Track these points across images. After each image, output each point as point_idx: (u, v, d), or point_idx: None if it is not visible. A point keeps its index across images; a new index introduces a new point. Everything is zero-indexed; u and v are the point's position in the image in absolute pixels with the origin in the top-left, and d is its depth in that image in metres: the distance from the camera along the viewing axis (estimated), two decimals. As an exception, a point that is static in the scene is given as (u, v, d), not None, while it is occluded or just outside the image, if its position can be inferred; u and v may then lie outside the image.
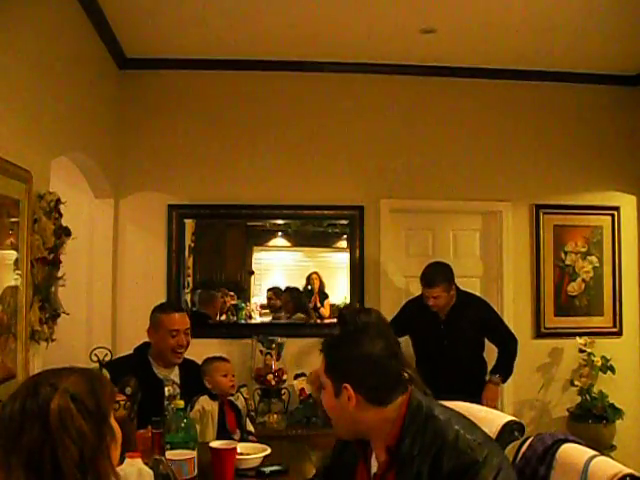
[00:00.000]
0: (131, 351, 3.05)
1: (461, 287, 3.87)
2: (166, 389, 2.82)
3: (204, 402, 2.77)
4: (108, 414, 1.22)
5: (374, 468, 1.68)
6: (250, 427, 3.03)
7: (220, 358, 3.02)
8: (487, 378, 3.77)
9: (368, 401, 1.61)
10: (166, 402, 2.69)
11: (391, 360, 1.66)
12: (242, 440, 2.71)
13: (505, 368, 3.77)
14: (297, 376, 4.22)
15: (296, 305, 4.66)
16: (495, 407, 3.52)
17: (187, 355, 3.07)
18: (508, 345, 3.79)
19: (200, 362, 3.04)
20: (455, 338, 3.75)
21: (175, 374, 2.96)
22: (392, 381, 1.64)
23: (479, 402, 3.28)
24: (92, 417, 1.16)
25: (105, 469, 1.15)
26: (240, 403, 2.99)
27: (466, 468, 1.48)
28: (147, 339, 3.01)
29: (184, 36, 4.03)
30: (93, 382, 1.22)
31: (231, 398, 2.94)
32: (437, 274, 3.74)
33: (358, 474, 1.73)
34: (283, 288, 4.74)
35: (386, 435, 1.61)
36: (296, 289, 4.71)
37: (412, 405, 1.61)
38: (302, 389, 4.19)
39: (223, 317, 4.59)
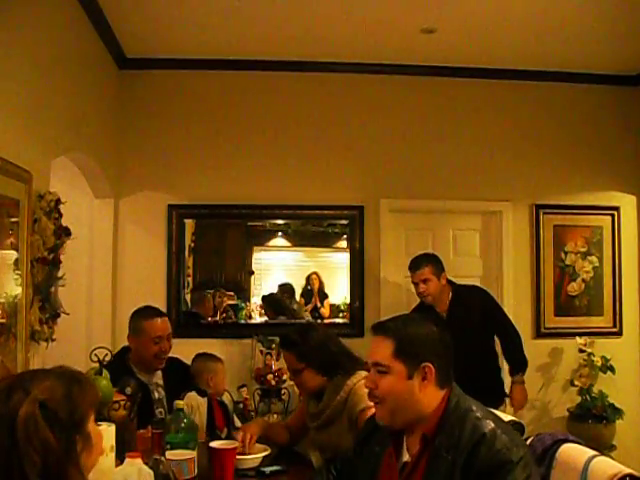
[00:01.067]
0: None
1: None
2: (155, 393, 2.80)
3: (192, 398, 2.74)
4: (84, 420, 1.19)
5: (405, 457, 1.71)
6: (238, 423, 3.04)
7: (218, 358, 3.02)
8: (511, 379, 3.72)
9: (437, 381, 1.66)
10: (155, 407, 2.68)
11: (449, 343, 1.73)
12: (229, 437, 2.70)
13: (521, 363, 3.72)
14: (297, 376, 4.21)
15: (275, 310, 4.65)
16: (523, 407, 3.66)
17: (181, 354, 3.06)
18: (513, 337, 3.73)
19: (181, 359, 3.01)
20: (460, 334, 3.61)
21: (158, 376, 2.88)
22: (452, 364, 1.71)
23: (493, 403, 3.15)
24: (61, 425, 1.13)
25: (73, 478, 1.13)
26: (227, 399, 3.00)
27: (499, 465, 1.51)
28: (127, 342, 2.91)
29: (184, 36, 4.04)
30: (71, 386, 1.19)
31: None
32: (422, 258, 3.79)
33: (384, 463, 1.75)
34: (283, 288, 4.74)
35: (426, 424, 1.65)
36: (271, 295, 4.68)
37: (453, 397, 1.67)
38: (302, 389, 4.19)
39: (218, 317, 4.56)
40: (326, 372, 2.49)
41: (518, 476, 1.50)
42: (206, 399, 2.81)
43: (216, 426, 2.81)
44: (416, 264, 3.77)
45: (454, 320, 3.70)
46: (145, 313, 2.88)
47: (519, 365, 3.74)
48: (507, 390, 3.79)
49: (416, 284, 3.75)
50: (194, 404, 2.73)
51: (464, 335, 3.62)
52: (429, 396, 1.66)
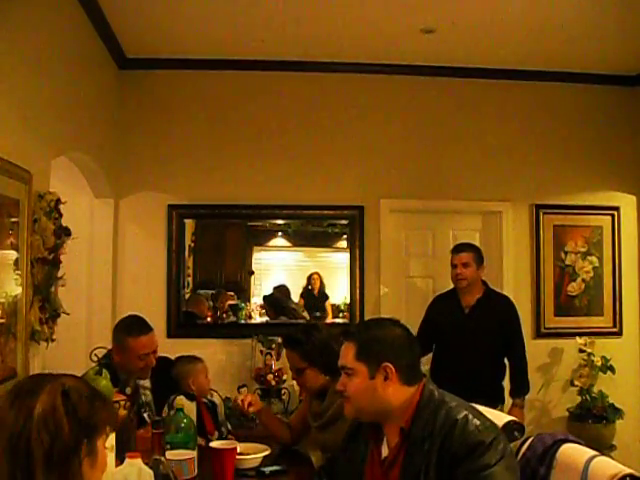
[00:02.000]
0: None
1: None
2: (142, 397, 2.78)
3: (182, 402, 2.72)
4: (97, 430, 1.20)
5: (384, 453, 1.76)
6: (227, 424, 3.03)
7: (198, 358, 3.00)
8: (512, 401, 3.69)
9: (401, 379, 1.73)
10: (142, 410, 2.67)
11: (414, 343, 1.82)
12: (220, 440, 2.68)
13: (524, 386, 3.73)
14: (297, 376, 4.21)
15: (276, 310, 4.65)
16: None
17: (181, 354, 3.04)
18: (521, 359, 3.72)
19: (170, 357, 2.99)
20: (477, 331, 3.66)
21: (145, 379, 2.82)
22: (418, 362, 1.82)
23: (491, 404, 3.15)
24: (77, 420, 1.15)
25: (75, 474, 1.14)
26: (217, 399, 2.98)
27: (473, 448, 1.56)
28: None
29: (184, 36, 4.03)
30: (95, 395, 1.23)
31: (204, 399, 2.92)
32: (467, 245, 3.86)
33: (368, 461, 1.81)
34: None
35: (401, 417, 1.71)
36: (272, 295, 4.67)
37: (426, 391, 1.74)
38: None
39: (209, 319, 4.55)
40: (329, 371, 2.49)
41: (491, 457, 1.54)
42: (195, 403, 2.79)
43: (206, 430, 2.79)
44: (460, 248, 3.82)
45: (473, 317, 3.72)
46: (130, 329, 2.74)
47: (521, 387, 3.73)
48: (506, 411, 3.72)
49: (455, 266, 3.74)
50: (184, 407, 2.71)
51: (478, 334, 3.66)
52: (396, 393, 1.72)
